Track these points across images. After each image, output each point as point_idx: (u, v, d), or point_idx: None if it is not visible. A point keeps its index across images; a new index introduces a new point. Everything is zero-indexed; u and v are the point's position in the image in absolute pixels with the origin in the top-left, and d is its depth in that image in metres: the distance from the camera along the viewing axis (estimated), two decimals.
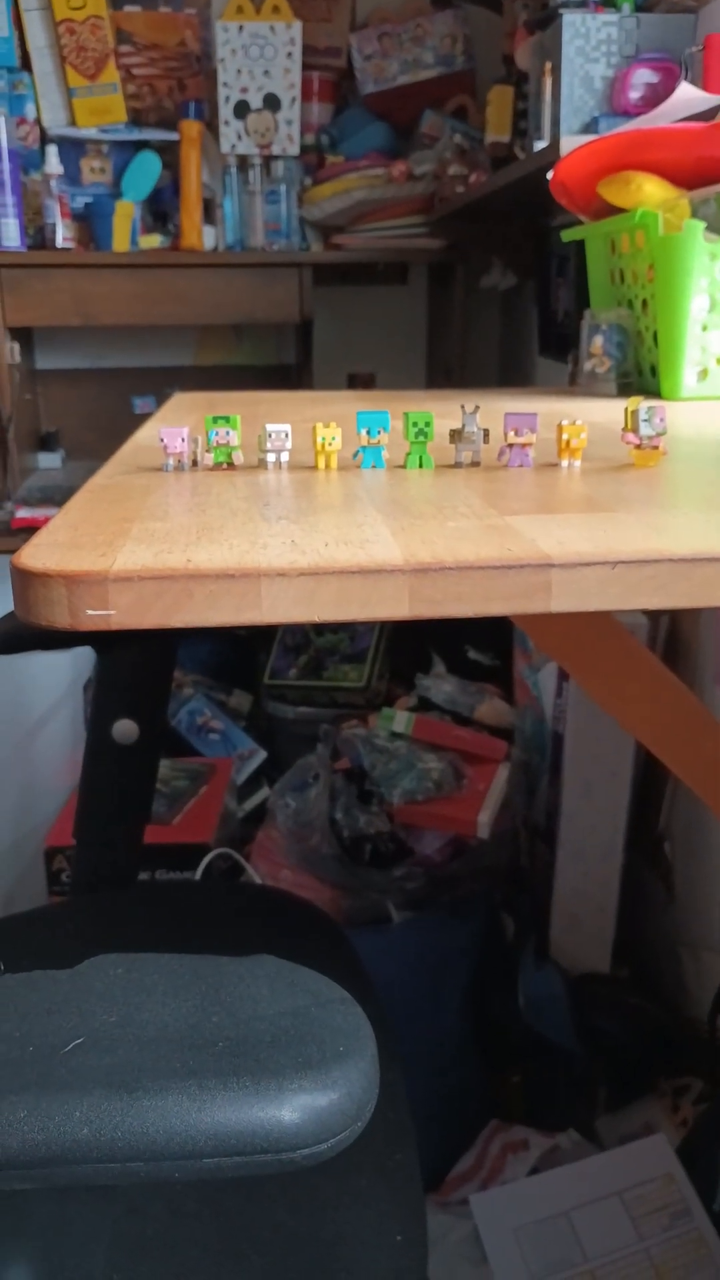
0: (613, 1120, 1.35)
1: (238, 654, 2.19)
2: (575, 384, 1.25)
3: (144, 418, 1.09)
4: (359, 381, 2.45)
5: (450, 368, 2.33)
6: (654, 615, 1.44)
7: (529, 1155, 1.27)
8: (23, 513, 2.09)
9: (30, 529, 2.06)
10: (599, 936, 1.51)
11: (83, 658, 2.02)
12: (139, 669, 1.07)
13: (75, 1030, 0.48)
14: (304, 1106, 0.45)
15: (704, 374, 1.04)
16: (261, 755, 2.05)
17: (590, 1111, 1.36)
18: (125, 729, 1.04)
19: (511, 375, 2.48)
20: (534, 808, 1.63)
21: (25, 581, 0.42)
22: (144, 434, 0.86)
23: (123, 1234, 0.68)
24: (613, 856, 1.50)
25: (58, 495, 2.17)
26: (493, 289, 2.34)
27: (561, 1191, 1.21)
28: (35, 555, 0.43)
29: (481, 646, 1.95)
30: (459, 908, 1.43)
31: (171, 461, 0.66)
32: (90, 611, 0.41)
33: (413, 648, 2.00)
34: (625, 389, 1.13)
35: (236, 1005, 0.50)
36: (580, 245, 1.27)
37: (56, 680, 2.00)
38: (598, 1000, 1.42)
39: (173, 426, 0.67)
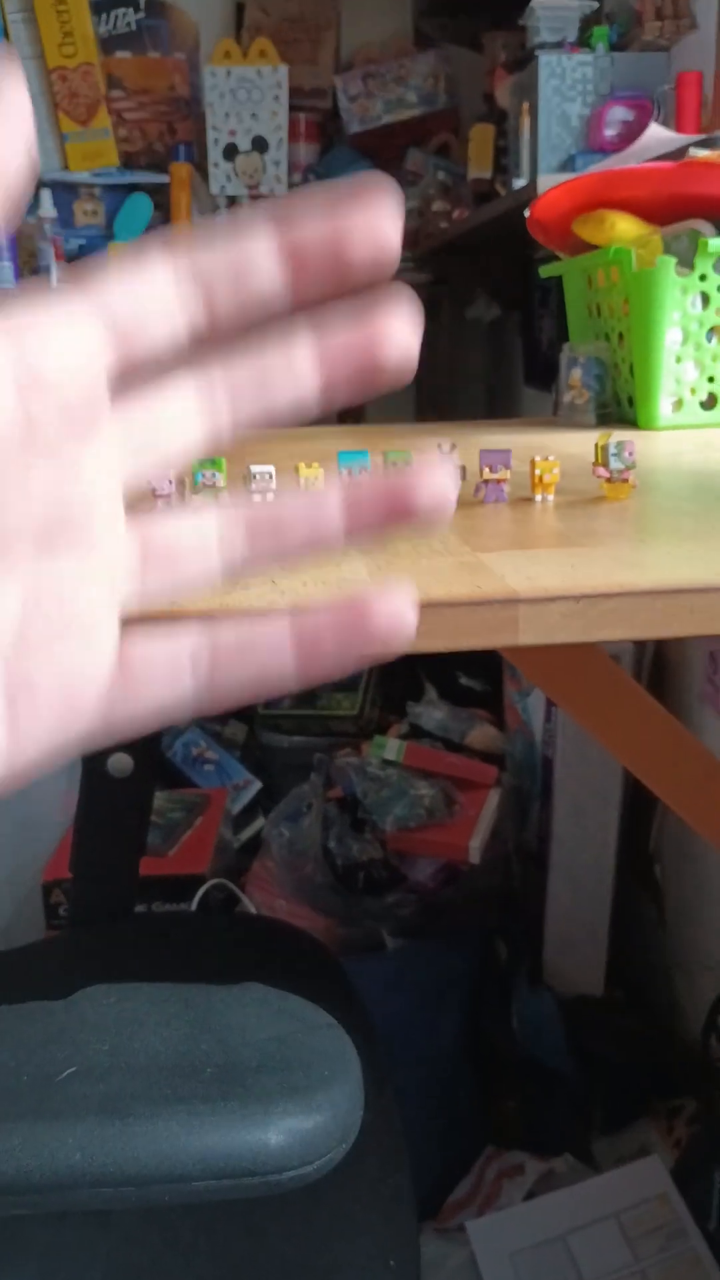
0: (608, 1142, 1.35)
1: None
2: (557, 414, 1.28)
3: None
4: (348, 414, 2.49)
5: (438, 399, 2.36)
6: (639, 641, 1.46)
7: (525, 1180, 1.27)
8: None
9: None
10: (592, 959, 1.52)
11: None
12: None
13: (69, 1060, 0.49)
14: (289, 1130, 0.46)
15: (679, 404, 1.07)
16: (256, 785, 2.06)
17: (585, 1134, 1.36)
18: (120, 762, 1.06)
19: (498, 405, 2.51)
20: (525, 832, 1.64)
21: None
22: None
23: (118, 1264, 0.68)
24: (604, 879, 1.51)
25: None
26: (478, 321, 2.38)
27: (557, 1215, 1.21)
28: None
29: (472, 673, 1.97)
30: (452, 934, 1.44)
31: (159, 505, 0.68)
32: None
33: (405, 675, 2.02)
34: (604, 419, 1.15)
35: (224, 1032, 0.51)
36: (560, 279, 1.31)
37: None
38: (591, 1023, 1.43)
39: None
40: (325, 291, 0.25)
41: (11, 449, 0.23)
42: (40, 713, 0.24)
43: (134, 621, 0.26)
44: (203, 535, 0.27)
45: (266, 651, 0.26)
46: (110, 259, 0.25)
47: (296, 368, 0.26)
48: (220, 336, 0.25)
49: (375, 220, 0.24)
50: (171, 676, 0.26)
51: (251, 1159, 0.46)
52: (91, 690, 0.25)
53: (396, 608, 0.26)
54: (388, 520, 0.27)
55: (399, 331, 0.25)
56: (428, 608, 0.45)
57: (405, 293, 0.26)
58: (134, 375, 0.25)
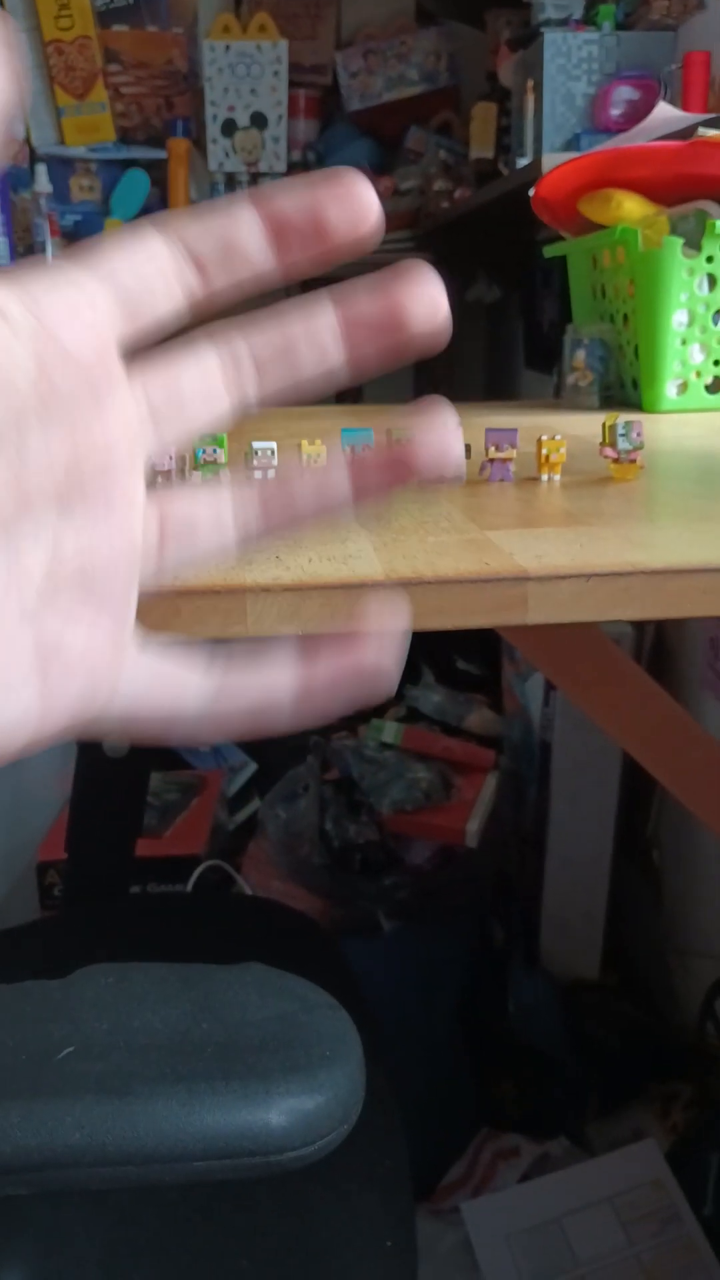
0: (603, 1126, 1.36)
1: None
2: (560, 397, 1.27)
3: None
4: (346, 395, 2.47)
5: (437, 381, 2.35)
6: (639, 624, 1.45)
7: (520, 1162, 1.27)
8: None
9: None
10: (588, 944, 1.52)
11: None
12: None
13: (67, 1038, 0.49)
14: (290, 1110, 0.46)
15: (684, 387, 1.06)
16: (252, 767, 2.06)
17: (581, 1118, 1.36)
18: (116, 743, 1.05)
19: (498, 388, 2.50)
20: (522, 816, 1.64)
21: None
22: None
23: (117, 1241, 0.68)
24: (601, 864, 1.51)
25: None
26: (479, 302, 2.37)
27: (553, 1198, 1.22)
28: None
29: (470, 656, 1.96)
30: (449, 917, 1.44)
31: (159, 480, 0.67)
32: None
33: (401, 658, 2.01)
34: (608, 402, 1.14)
35: (225, 1012, 0.51)
36: (563, 260, 1.29)
37: None
38: (587, 1007, 1.43)
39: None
40: (313, 260, 0.25)
41: (30, 411, 0.23)
42: (69, 676, 0.25)
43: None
44: (219, 509, 0.28)
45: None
46: (106, 235, 0.25)
47: (320, 336, 0.26)
48: (218, 306, 0.26)
49: (348, 188, 0.25)
50: (177, 687, 0.27)
51: (253, 1139, 0.45)
52: (113, 660, 0.26)
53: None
54: (394, 482, 0.28)
55: (424, 294, 0.26)
56: (434, 585, 0.45)
57: (425, 266, 0.26)
58: (148, 349, 0.26)
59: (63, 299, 0.24)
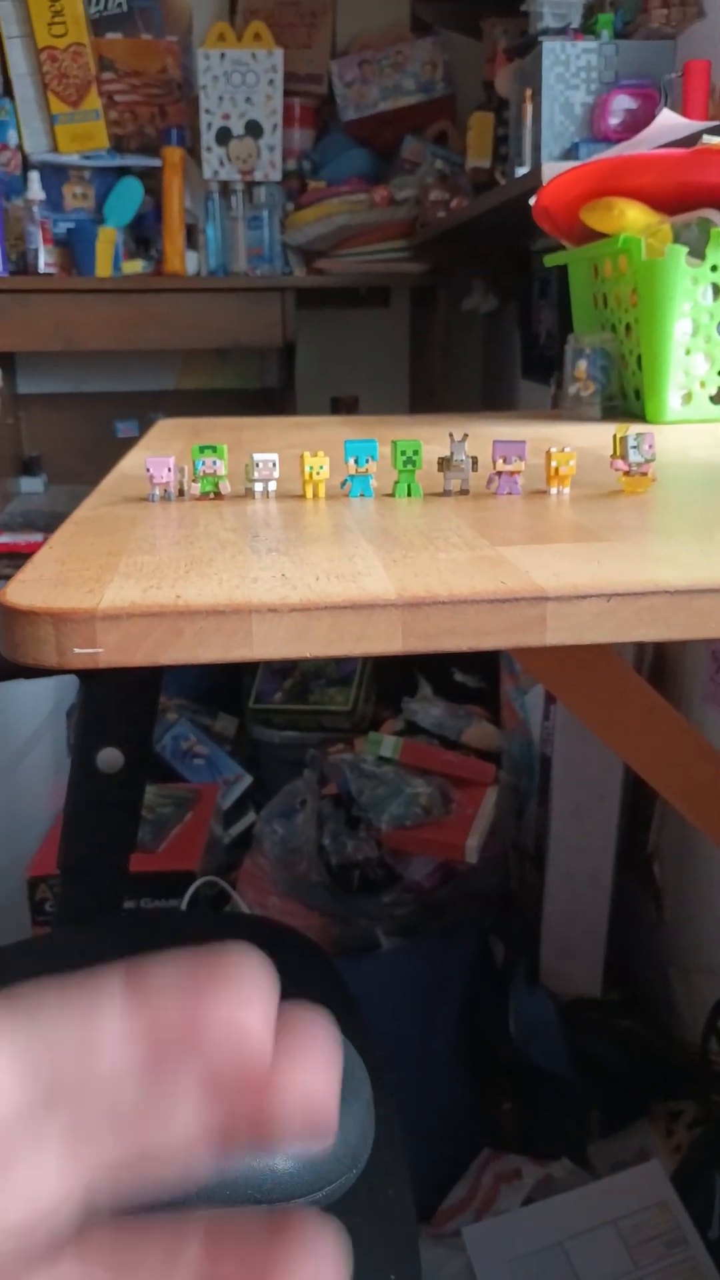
0: (606, 1146, 1.33)
1: (223, 678, 2.17)
2: (558, 407, 1.26)
3: (126, 442, 1.08)
4: (342, 405, 2.46)
5: (433, 391, 2.34)
6: None
7: (522, 1185, 1.25)
8: (4, 538, 2.08)
9: (11, 554, 2.05)
10: (590, 960, 1.50)
11: (66, 683, 2.01)
12: (124, 697, 1.06)
13: None
14: (298, 1155, 0.44)
15: (688, 397, 1.04)
16: (247, 780, 2.03)
17: (583, 1137, 1.34)
18: (110, 758, 1.03)
19: (494, 398, 2.49)
20: (523, 831, 1.62)
21: (11, 619, 0.41)
22: (129, 463, 0.85)
23: None
24: (602, 879, 1.49)
25: (40, 520, 2.16)
26: (475, 312, 2.36)
27: (556, 1221, 1.19)
28: (21, 592, 0.43)
29: (468, 669, 1.94)
30: (449, 933, 1.42)
31: (158, 492, 0.65)
32: (78, 650, 0.40)
33: (399, 671, 1.99)
34: (610, 412, 1.13)
35: None
36: (562, 269, 1.28)
37: (39, 706, 1.99)
38: (589, 1025, 1.41)
39: (158, 455, 0.66)
40: (182, 1067, 0.21)
41: None
42: None
43: None
44: None
45: None
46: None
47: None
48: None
49: (234, 1011, 0.21)
50: None
51: (258, 1185, 0.43)
52: None
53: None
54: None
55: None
56: (449, 604, 0.43)
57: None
58: None
59: None
